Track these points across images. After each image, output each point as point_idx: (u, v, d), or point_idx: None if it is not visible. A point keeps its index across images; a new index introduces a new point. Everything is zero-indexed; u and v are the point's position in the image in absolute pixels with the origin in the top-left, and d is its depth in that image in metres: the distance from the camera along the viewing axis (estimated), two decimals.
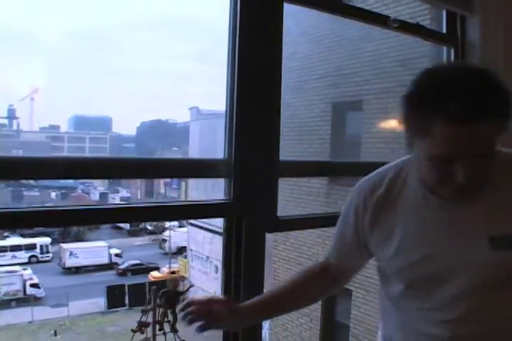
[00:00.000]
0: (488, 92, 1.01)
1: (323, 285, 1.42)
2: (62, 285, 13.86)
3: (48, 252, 15.55)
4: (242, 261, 1.55)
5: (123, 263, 15.79)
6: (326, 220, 1.92)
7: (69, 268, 15.04)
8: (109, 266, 15.67)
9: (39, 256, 15.36)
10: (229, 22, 1.58)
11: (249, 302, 1.32)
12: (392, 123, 6.83)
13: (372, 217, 1.25)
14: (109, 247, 15.90)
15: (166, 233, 16.67)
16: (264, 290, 1.62)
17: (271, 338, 8.53)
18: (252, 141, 1.54)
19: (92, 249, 15.60)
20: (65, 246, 15.34)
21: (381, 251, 1.26)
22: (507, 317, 1.18)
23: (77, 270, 15.07)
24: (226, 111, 1.57)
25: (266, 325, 8.59)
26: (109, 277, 15.08)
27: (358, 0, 6.02)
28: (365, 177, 1.33)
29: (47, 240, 15.58)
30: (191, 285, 11.27)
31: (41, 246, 15.45)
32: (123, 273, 15.39)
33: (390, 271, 1.28)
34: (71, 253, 15.17)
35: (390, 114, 6.76)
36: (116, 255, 15.91)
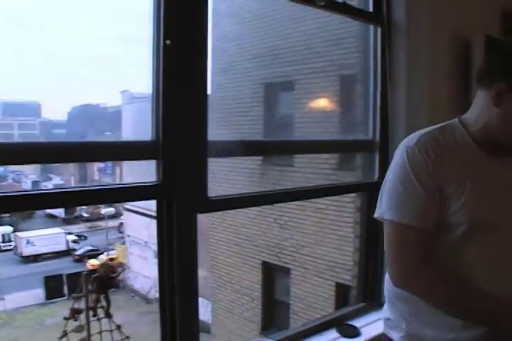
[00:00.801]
0: None
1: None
2: (19, 275, 13.42)
3: (10, 241, 14.97)
4: (174, 243, 1.54)
5: (79, 249, 15.42)
6: (259, 199, 1.95)
7: (27, 257, 14.57)
8: (67, 252, 15.26)
9: (1, 245, 14.80)
10: (152, 3, 1.54)
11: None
12: (324, 103, 6.91)
13: (437, 168, 1.32)
14: (67, 233, 15.48)
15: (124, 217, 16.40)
16: (199, 271, 1.64)
17: (214, 320, 8.58)
18: (179, 121, 1.52)
19: (48, 236, 15.07)
20: (20, 234, 14.81)
21: (451, 202, 1.32)
22: None
23: (35, 258, 14.57)
24: (152, 92, 1.54)
25: (208, 307, 8.62)
26: (66, 264, 14.70)
27: None
28: (412, 136, 1.40)
29: (8, 229, 15.01)
30: (123, 269, 11.09)
31: (3, 234, 14.89)
32: (79, 259, 14.97)
33: (459, 220, 1.33)
34: (28, 242, 14.65)
35: (321, 94, 6.84)
36: (74, 241, 15.50)
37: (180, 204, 1.53)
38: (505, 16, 3.32)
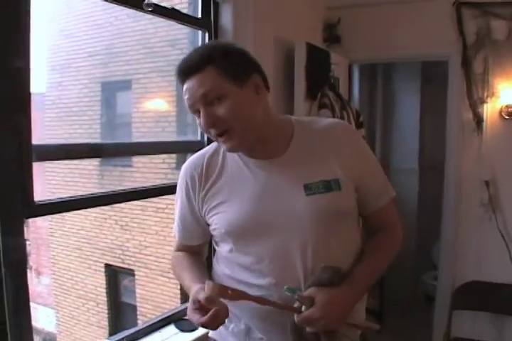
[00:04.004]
0: (192, 57, 1.31)
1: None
2: None
3: None
4: (0, 250, 1.50)
5: None
6: (91, 201, 1.94)
7: None
8: None
9: None
10: None
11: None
12: (162, 102, 6.93)
13: (202, 189, 1.42)
14: None
15: None
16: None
17: (59, 329, 8.22)
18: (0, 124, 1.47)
19: None
20: None
21: (212, 217, 1.41)
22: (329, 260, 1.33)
23: None
24: None
25: (53, 317, 8.23)
26: None
27: None
28: (190, 157, 1.49)
29: None
30: None
31: None
32: None
33: (220, 233, 1.41)
34: None
35: (159, 93, 6.84)
36: None
37: (5, 210, 1.48)
38: (326, 27, 3.65)
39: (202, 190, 1.42)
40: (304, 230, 1.33)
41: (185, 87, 1.29)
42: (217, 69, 1.26)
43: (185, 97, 1.30)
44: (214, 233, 1.45)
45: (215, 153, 1.45)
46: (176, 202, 1.52)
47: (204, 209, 1.43)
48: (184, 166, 1.48)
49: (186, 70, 1.29)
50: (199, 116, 1.29)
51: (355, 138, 1.46)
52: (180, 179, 1.48)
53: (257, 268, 1.36)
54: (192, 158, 1.49)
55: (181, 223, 1.52)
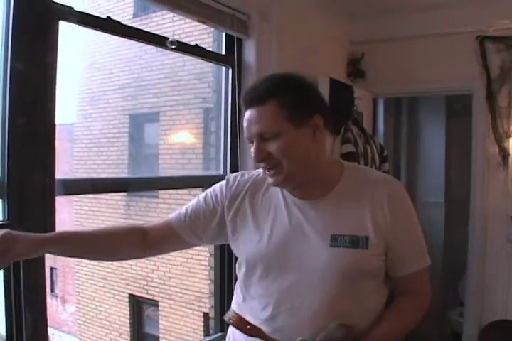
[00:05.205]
0: (258, 87, 1.29)
1: (131, 245, 1.42)
2: None
3: None
4: (21, 280, 1.52)
5: None
6: None
7: None
8: None
9: None
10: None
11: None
12: (189, 135, 7.02)
13: (234, 208, 1.41)
14: None
15: None
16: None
17: None
18: (26, 160, 1.52)
19: None
20: None
21: (237, 241, 1.41)
22: (340, 314, 1.29)
23: None
24: None
25: None
26: None
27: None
28: (238, 173, 1.49)
29: None
30: None
31: None
32: None
33: (242, 259, 1.41)
34: None
35: (186, 126, 6.93)
36: None
37: None
38: (350, 61, 3.69)
39: (235, 207, 1.41)
40: (315, 278, 1.29)
41: (245, 115, 1.30)
42: (279, 105, 1.25)
43: (244, 126, 1.31)
44: (236, 255, 1.45)
45: (261, 179, 1.43)
46: (206, 195, 1.48)
47: (230, 228, 1.41)
48: (233, 176, 1.48)
49: (249, 100, 1.29)
50: (252, 146, 1.30)
51: (400, 199, 1.38)
52: (220, 184, 1.47)
53: (262, 301, 1.34)
54: (240, 175, 1.48)
55: (192, 209, 1.46)
